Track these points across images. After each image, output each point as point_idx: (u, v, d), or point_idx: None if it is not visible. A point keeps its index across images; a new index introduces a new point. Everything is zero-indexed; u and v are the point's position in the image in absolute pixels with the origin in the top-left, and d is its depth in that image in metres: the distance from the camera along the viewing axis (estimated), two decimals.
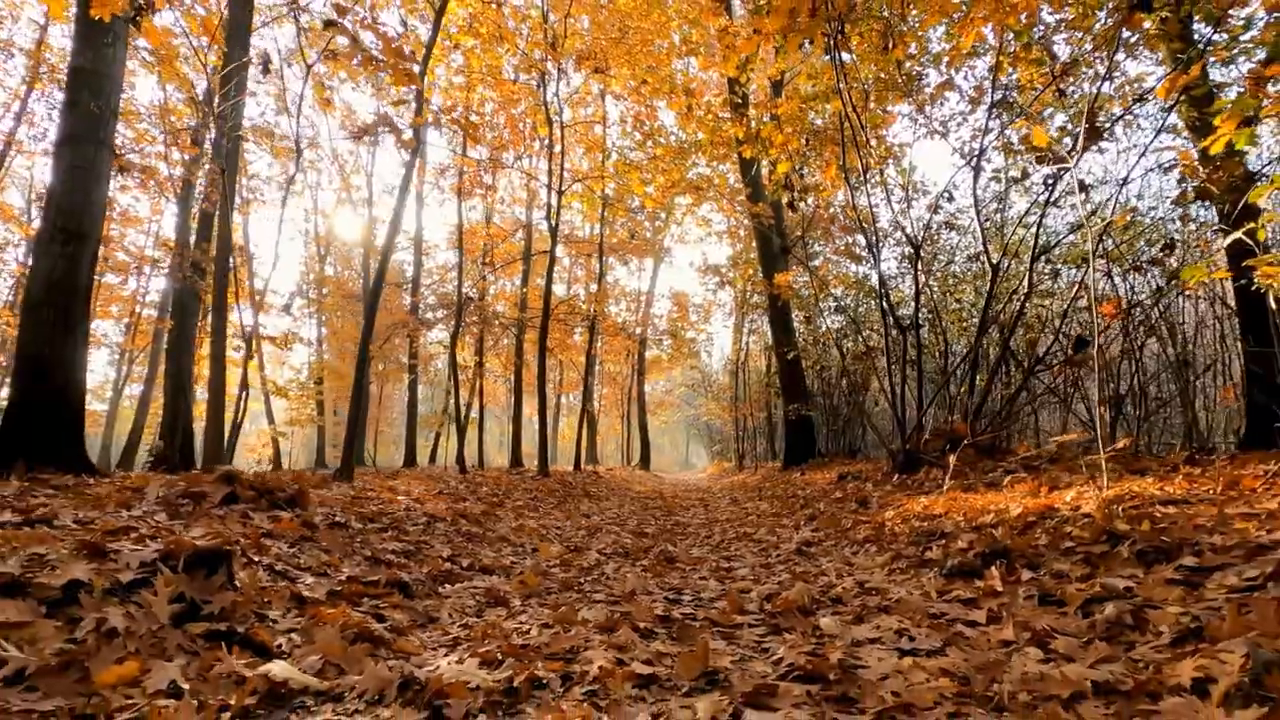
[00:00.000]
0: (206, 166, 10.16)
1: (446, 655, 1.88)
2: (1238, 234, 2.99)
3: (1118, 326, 6.99)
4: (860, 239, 11.81)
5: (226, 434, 11.02)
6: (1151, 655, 1.65)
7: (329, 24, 3.38)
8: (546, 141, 11.83)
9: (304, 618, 2.12)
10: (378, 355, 21.61)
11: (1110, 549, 2.44)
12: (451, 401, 20.15)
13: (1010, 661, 1.70)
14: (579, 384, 26.71)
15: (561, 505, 7.17)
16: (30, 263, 5.21)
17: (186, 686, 1.49)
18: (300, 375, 23.95)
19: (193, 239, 10.45)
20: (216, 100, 9.88)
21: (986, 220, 9.66)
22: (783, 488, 9.26)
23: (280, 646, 1.86)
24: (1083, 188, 8.14)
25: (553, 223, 11.35)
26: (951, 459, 4.70)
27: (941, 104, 9.64)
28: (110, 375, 22.30)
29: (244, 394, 10.28)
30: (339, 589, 2.47)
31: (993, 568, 2.59)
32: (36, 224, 16.17)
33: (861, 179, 7.73)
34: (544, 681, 1.68)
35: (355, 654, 1.81)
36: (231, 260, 9.55)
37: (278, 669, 1.61)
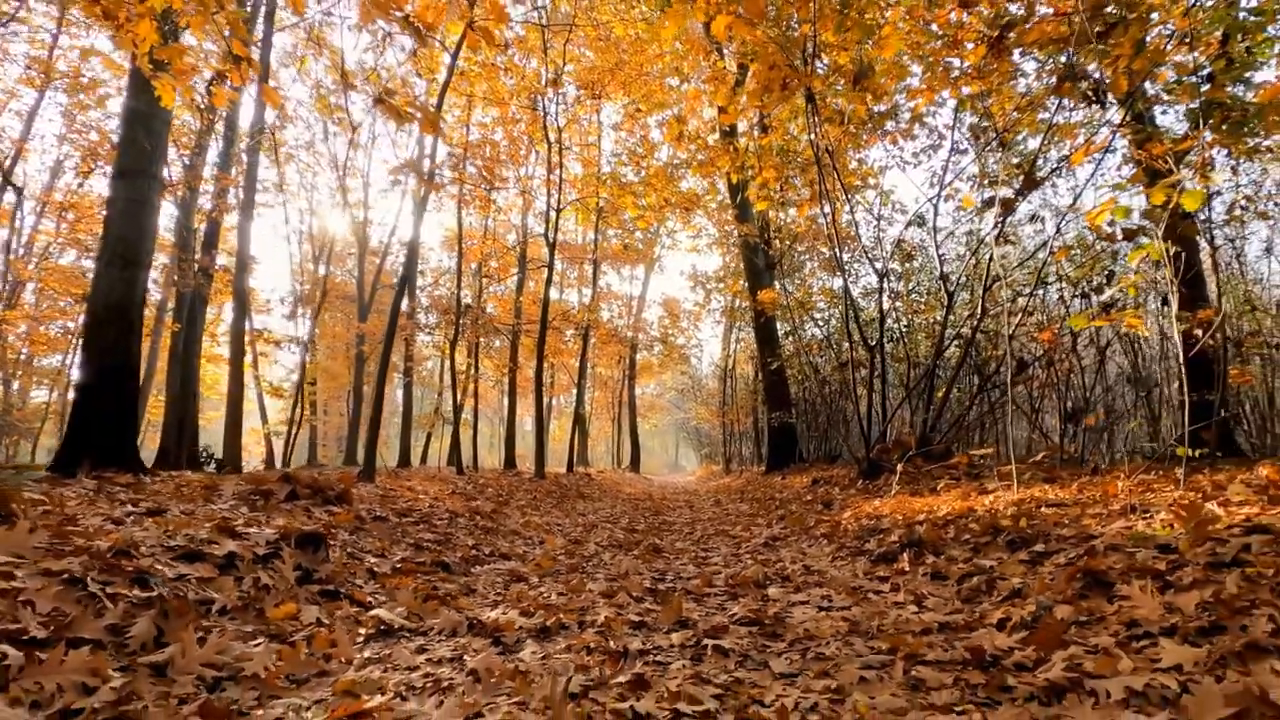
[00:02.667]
0: (214, 172, 10.62)
1: (493, 610, 2.59)
2: (1112, 291, 3.76)
3: (1069, 345, 7.75)
4: (840, 253, 12.64)
5: (294, 438, 11.60)
6: (987, 608, 2.39)
7: (378, 101, 4.06)
8: (544, 155, 12.51)
9: (380, 584, 2.82)
10: (371, 355, 22.21)
11: (992, 539, 3.19)
12: (442, 402, 20.76)
13: (890, 613, 2.43)
14: (570, 387, 27.38)
15: (560, 505, 7.87)
16: (92, 283, 5.82)
17: (327, 622, 2.19)
18: (293, 375, 24.34)
19: (193, 241, 10.81)
20: (223, 112, 10.42)
21: (952, 244, 10.48)
22: (763, 491, 9.99)
23: (371, 602, 2.57)
24: (1033, 219, 8.95)
25: (550, 240, 12.04)
26: (898, 467, 5.44)
27: (913, 138, 10.48)
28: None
29: (299, 398, 10.86)
30: (399, 566, 3.17)
31: (906, 553, 3.33)
32: (29, 221, 16.48)
33: (834, 210, 8.48)
34: (566, 625, 2.39)
35: (428, 607, 2.52)
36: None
37: (382, 614, 2.32)
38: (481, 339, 17.56)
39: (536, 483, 9.90)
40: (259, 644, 1.85)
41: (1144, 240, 5.56)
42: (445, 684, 1.74)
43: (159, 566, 2.14)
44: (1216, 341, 5.57)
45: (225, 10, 3.76)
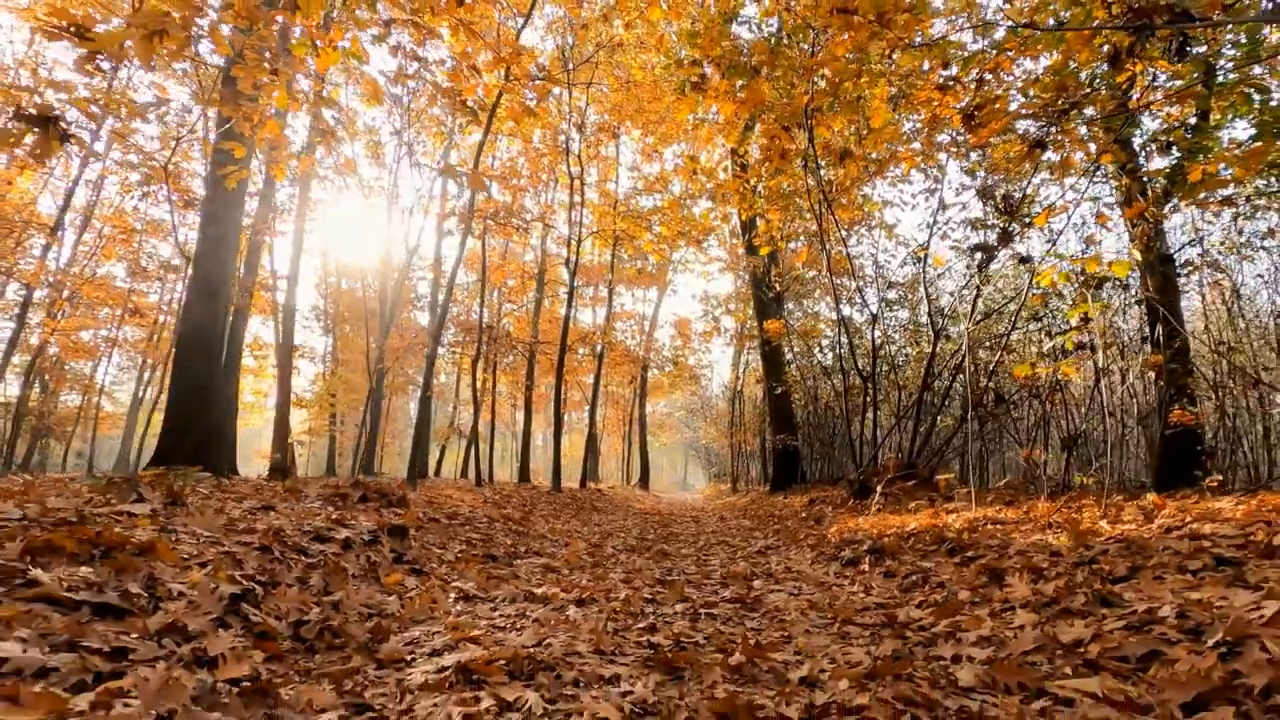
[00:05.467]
0: (258, 195, 11.57)
1: (539, 588, 3.37)
2: (1054, 343, 4.51)
3: (1052, 381, 8.42)
4: (846, 281, 13.46)
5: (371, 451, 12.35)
6: (918, 595, 3.14)
7: (443, 170, 4.96)
8: (566, 176, 13.44)
9: (450, 568, 3.62)
10: (391, 369, 23.20)
11: (938, 547, 3.93)
12: (458, 415, 21.51)
13: (843, 597, 3.19)
14: (582, 404, 28.17)
15: (577, 515, 8.65)
16: (179, 313, 6.74)
17: (424, 588, 3.00)
18: (314, 386, 25.35)
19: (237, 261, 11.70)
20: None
21: (950, 276, 11.24)
22: (765, 509, 10.69)
23: (448, 578, 3.37)
24: (1024, 260, 9.67)
25: (571, 268, 12.94)
26: (878, 489, 6.18)
27: (910, 182, 11.32)
28: (112, 376, 23.39)
29: (366, 412, 11.74)
30: (459, 556, 3.97)
31: (869, 557, 4.08)
32: (71, 234, 17.59)
33: (831, 254, 9.27)
34: (596, 599, 3.17)
35: (491, 584, 3.31)
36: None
37: (461, 585, 3.12)
38: (500, 358, 18.50)
39: (554, 495, 10.68)
40: (390, 597, 2.66)
41: (1102, 292, 6.31)
42: (519, 626, 2.53)
43: (305, 544, 2.96)
44: (1166, 383, 6.27)
45: (320, 99, 4.66)
